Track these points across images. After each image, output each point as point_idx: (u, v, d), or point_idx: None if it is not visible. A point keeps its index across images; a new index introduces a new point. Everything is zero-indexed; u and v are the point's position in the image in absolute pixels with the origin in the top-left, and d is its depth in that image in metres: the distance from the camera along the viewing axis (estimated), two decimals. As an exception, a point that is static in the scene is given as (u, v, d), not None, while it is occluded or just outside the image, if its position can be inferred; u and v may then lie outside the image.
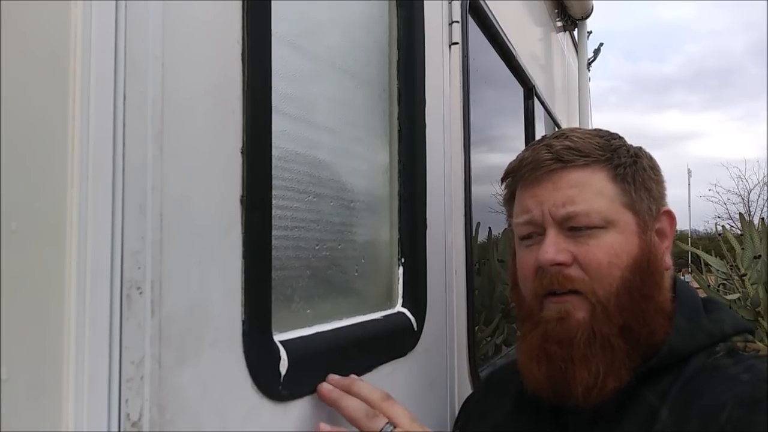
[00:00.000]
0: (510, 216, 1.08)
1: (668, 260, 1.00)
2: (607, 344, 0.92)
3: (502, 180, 1.08)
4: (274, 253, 0.80)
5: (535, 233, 0.99)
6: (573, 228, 0.95)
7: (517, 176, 1.03)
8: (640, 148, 1.05)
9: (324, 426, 0.85)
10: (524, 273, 1.01)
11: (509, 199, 1.08)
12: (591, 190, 0.96)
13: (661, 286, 0.97)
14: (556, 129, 3.28)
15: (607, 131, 1.05)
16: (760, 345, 0.95)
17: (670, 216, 1.03)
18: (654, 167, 1.04)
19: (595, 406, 0.92)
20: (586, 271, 0.94)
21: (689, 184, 27.53)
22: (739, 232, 5.22)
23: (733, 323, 0.97)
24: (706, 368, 0.92)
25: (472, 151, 1.60)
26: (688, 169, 27.50)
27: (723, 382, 0.88)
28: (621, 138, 1.05)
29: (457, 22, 1.52)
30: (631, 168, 0.99)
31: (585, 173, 0.97)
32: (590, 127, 1.12)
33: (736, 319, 0.99)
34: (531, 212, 0.99)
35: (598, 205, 0.95)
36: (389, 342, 1.11)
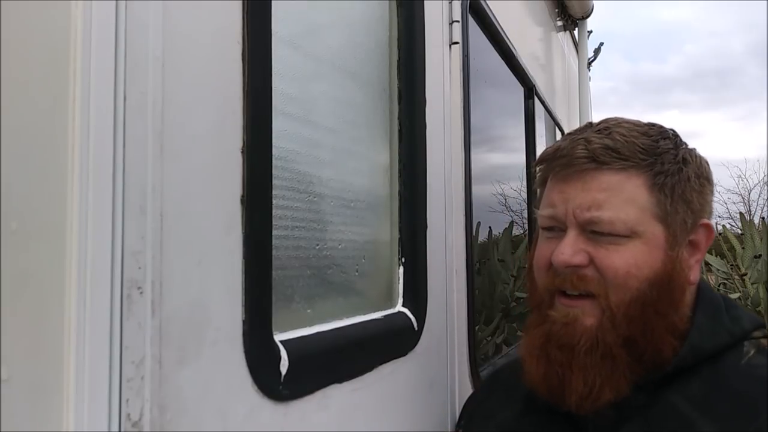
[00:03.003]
0: (539, 199, 1.05)
1: (695, 274, 0.96)
2: (608, 354, 0.91)
3: (536, 165, 1.05)
4: (274, 253, 0.80)
5: (557, 227, 0.97)
6: (595, 232, 0.93)
7: (550, 166, 1.00)
8: (691, 152, 0.98)
9: None
10: (539, 263, 1.00)
11: (541, 184, 1.04)
12: (621, 197, 0.92)
13: (679, 304, 0.94)
14: (557, 129, 3.27)
15: (660, 128, 0.98)
16: None
17: (708, 229, 0.97)
18: (700, 176, 0.97)
19: (620, 409, 0.91)
20: (601, 274, 0.92)
21: (689, 184, 27.43)
22: (740, 232, 5.22)
23: (750, 319, 0.97)
24: (740, 370, 0.91)
25: (473, 151, 1.60)
26: (689, 169, 27.41)
27: (757, 384, 0.88)
28: (673, 137, 0.98)
29: (458, 21, 1.52)
30: (672, 178, 0.93)
31: (619, 177, 0.93)
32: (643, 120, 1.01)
33: (751, 315, 0.99)
34: (555, 207, 0.96)
35: (625, 214, 0.91)
36: (389, 342, 1.11)
